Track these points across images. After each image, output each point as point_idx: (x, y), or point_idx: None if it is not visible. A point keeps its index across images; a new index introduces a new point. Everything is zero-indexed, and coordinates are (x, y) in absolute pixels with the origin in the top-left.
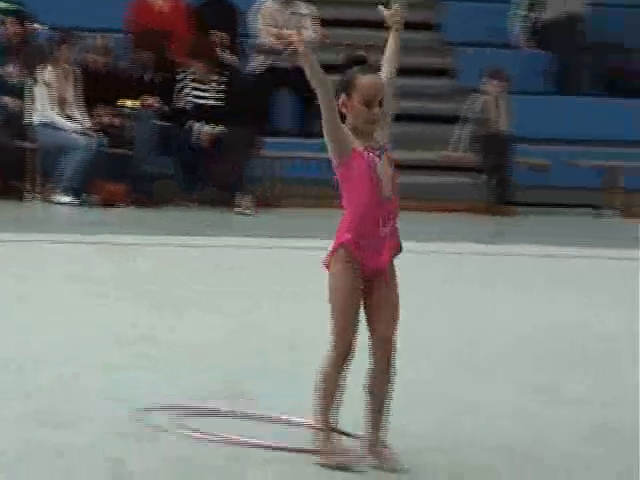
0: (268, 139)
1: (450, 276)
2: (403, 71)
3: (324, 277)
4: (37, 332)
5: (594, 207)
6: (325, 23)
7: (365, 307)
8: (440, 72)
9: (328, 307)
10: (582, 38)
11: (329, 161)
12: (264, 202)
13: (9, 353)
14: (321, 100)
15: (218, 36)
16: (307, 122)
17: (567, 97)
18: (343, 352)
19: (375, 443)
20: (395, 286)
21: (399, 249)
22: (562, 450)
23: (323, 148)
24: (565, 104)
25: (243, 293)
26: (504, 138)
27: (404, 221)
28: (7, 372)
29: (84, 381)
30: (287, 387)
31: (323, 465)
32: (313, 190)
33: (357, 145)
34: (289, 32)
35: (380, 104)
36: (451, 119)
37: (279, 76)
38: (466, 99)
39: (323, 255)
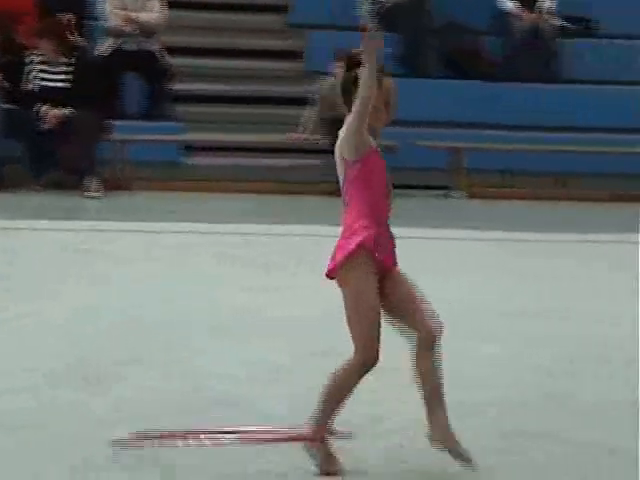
0: (117, 122)
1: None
2: (252, 53)
3: (164, 258)
4: None
5: (443, 188)
6: (173, 5)
7: (390, 308)
8: (290, 55)
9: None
10: (428, 20)
11: (177, 143)
12: (114, 185)
13: None
14: (364, 96)
15: (65, 18)
16: (154, 105)
17: (414, 79)
18: (370, 362)
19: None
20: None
21: None
22: None
23: (170, 130)
24: (413, 86)
25: (85, 276)
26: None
27: (261, 203)
28: None
29: None
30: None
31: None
32: (161, 172)
33: (372, 143)
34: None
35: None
36: (300, 101)
37: (127, 59)
38: (315, 82)
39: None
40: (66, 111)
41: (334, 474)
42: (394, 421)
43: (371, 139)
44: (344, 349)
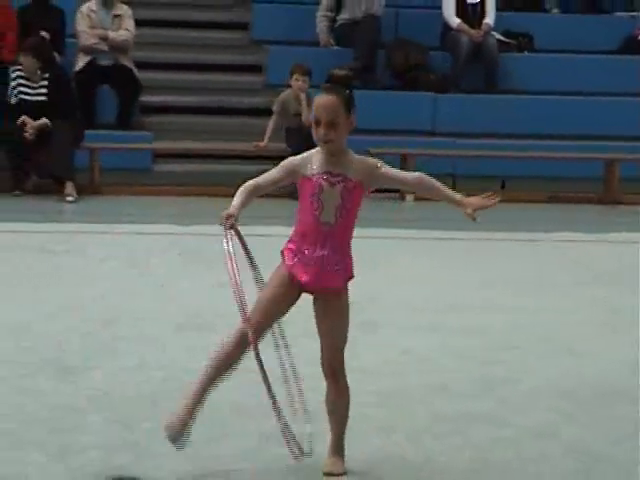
0: (91, 131)
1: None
2: (216, 67)
3: (132, 257)
4: None
5: (393, 191)
6: (142, 23)
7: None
8: (252, 69)
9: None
10: (378, 36)
11: (145, 152)
12: (88, 190)
13: None
14: None
15: (44, 36)
16: (125, 117)
17: (368, 91)
18: None
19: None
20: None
21: (348, 273)
22: None
23: (140, 139)
24: (366, 97)
25: (61, 274)
26: (308, 129)
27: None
28: None
29: None
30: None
31: None
32: (132, 178)
33: (310, 170)
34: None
35: (331, 126)
36: (262, 112)
37: (100, 73)
38: (276, 93)
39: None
40: (44, 122)
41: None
42: None
43: (316, 165)
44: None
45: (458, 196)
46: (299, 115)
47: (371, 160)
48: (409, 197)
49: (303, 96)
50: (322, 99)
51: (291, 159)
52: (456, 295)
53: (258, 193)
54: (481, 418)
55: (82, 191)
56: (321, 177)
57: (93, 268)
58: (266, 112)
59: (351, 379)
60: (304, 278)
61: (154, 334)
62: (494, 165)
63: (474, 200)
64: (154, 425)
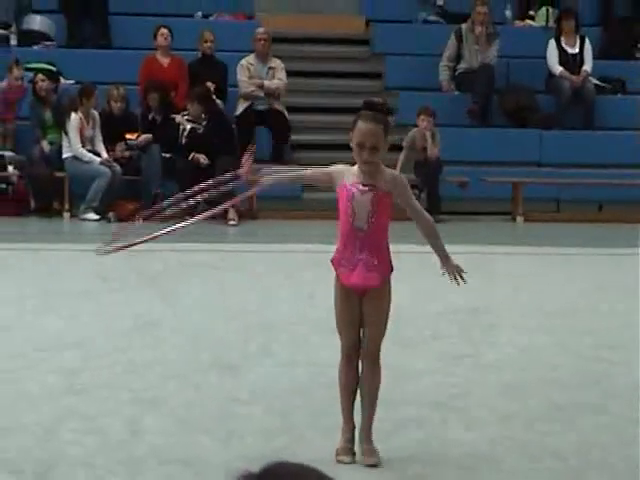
0: None
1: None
2: (353, 110)
3: (286, 272)
4: None
5: (505, 214)
6: (290, 74)
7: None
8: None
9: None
10: (492, 82)
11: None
12: (247, 215)
13: None
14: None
15: (209, 85)
16: (278, 152)
17: (484, 128)
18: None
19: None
20: (377, 308)
21: (385, 272)
22: None
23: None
24: (482, 134)
25: (224, 285)
26: (433, 162)
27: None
28: None
29: None
30: None
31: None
32: (283, 204)
33: (346, 180)
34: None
35: (374, 149)
36: (394, 148)
37: (257, 116)
38: (405, 131)
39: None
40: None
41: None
42: None
43: (351, 176)
44: None
45: (447, 254)
46: (425, 150)
47: (399, 176)
48: (519, 218)
49: (428, 134)
50: (366, 126)
51: (334, 167)
52: (563, 301)
53: (298, 182)
54: (587, 407)
55: (242, 216)
56: (354, 186)
57: (252, 282)
58: (397, 148)
59: (476, 373)
60: (351, 281)
61: (304, 336)
62: (592, 191)
63: (452, 264)
64: (306, 412)
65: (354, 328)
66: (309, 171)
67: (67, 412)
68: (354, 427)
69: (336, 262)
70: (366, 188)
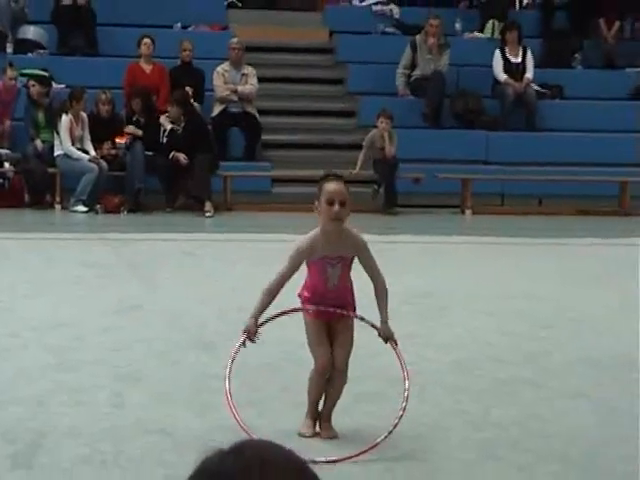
0: (224, 162)
1: None
2: (322, 113)
3: (259, 260)
4: None
5: (455, 207)
6: (261, 80)
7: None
8: (348, 114)
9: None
10: (443, 88)
11: (266, 178)
12: (222, 207)
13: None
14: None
15: (188, 90)
16: (250, 151)
17: (435, 130)
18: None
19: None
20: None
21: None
22: None
23: (262, 168)
24: (433, 135)
25: (198, 272)
26: (390, 160)
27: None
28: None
29: None
30: None
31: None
32: (254, 198)
33: (316, 256)
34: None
35: (342, 204)
36: (355, 147)
37: (231, 118)
38: (365, 132)
39: None
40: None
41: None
42: None
43: (320, 250)
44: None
45: (385, 319)
46: (383, 149)
47: (361, 240)
48: (468, 211)
49: (386, 135)
50: (334, 185)
51: (301, 250)
52: (506, 286)
53: (274, 294)
54: (526, 382)
55: (217, 208)
56: (324, 261)
57: (227, 268)
58: (358, 147)
59: (429, 351)
60: (324, 317)
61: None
62: (533, 187)
63: (387, 332)
64: (274, 387)
65: (327, 352)
66: (274, 284)
67: (57, 386)
68: (318, 416)
69: (305, 300)
70: (335, 260)
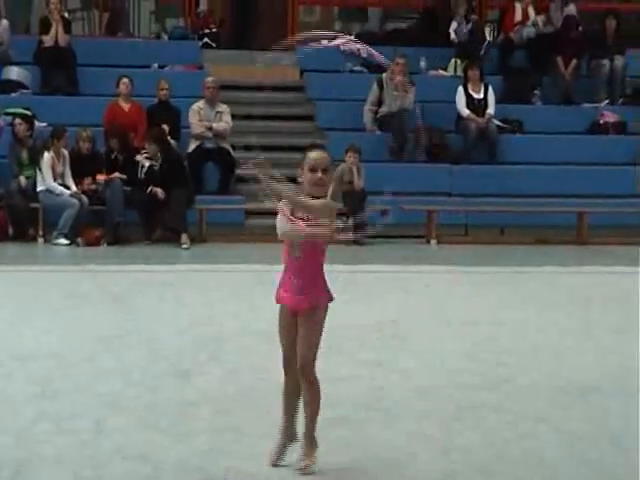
0: (199, 196)
1: None
2: (290, 148)
3: (234, 289)
4: None
5: (421, 237)
6: (235, 117)
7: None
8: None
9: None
10: (408, 124)
11: (239, 211)
12: (197, 239)
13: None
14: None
15: (165, 127)
16: (224, 185)
17: (401, 164)
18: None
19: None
20: (307, 329)
21: (315, 299)
22: None
23: (235, 202)
24: (400, 169)
25: (177, 301)
26: (359, 192)
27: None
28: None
29: None
30: None
31: None
32: (229, 230)
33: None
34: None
35: (324, 172)
36: None
37: (206, 153)
38: (334, 167)
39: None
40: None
41: None
42: None
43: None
44: None
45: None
46: (352, 182)
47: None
48: (433, 241)
49: (354, 168)
50: (316, 153)
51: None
52: (470, 313)
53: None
54: (491, 407)
55: (193, 240)
56: (289, 219)
57: (203, 297)
58: None
59: (396, 377)
60: (282, 300)
61: (249, 346)
62: (495, 217)
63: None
64: (249, 414)
65: (288, 344)
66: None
67: (40, 415)
68: (291, 436)
69: (278, 286)
70: (298, 220)
